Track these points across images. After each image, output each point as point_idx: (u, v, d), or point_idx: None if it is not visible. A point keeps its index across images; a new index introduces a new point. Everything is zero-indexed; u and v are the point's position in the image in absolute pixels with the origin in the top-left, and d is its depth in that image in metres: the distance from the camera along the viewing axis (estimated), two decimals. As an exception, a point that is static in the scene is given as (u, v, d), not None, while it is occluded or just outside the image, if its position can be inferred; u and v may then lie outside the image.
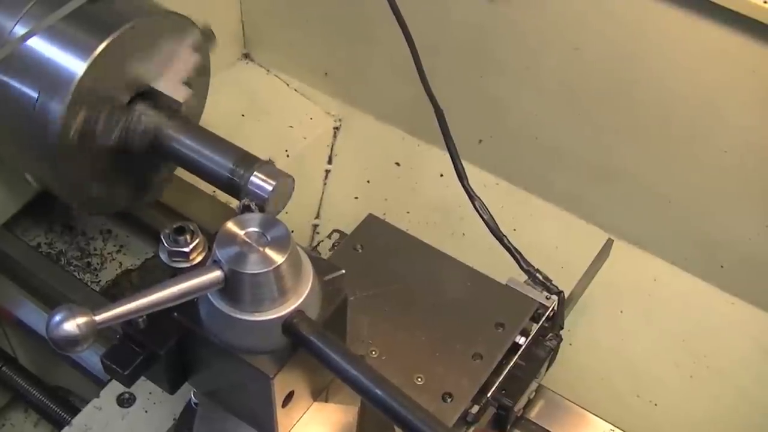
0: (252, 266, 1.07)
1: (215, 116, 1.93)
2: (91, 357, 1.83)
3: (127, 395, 1.63)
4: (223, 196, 2.08)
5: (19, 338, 2.11)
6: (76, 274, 2.08)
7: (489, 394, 1.57)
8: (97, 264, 2.14)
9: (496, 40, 2.08)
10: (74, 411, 1.84)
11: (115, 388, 1.64)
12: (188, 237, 1.18)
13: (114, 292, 2.08)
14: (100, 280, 2.12)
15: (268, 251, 1.08)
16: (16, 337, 2.11)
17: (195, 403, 1.39)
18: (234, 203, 2.08)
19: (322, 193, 2.34)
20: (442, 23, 2.08)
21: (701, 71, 1.85)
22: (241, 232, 1.10)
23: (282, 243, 1.09)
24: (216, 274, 1.07)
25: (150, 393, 1.63)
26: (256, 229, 1.10)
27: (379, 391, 1.06)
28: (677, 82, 1.89)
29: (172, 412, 1.60)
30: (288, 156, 2.30)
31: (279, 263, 1.07)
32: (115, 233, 2.18)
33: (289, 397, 1.19)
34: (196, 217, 1.88)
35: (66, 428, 1.62)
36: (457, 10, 2.08)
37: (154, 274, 2.13)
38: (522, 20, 2.01)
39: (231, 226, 1.11)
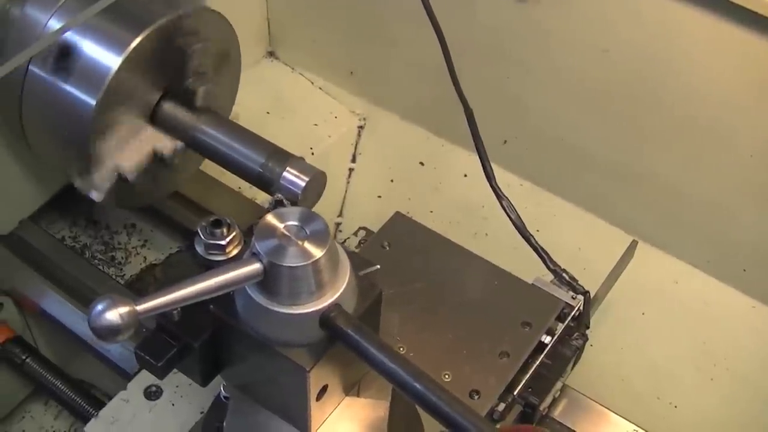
0: (291, 259, 1.08)
1: (240, 113, 1.93)
2: (117, 349, 1.84)
3: (154, 388, 1.64)
4: (248, 192, 2.09)
5: (42, 330, 2.12)
6: (100, 267, 2.09)
7: (516, 392, 1.58)
8: (122, 258, 2.15)
9: (523, 42, 2.09)
10: (98, 404, 1.85)
11: (142, 380, 1.65)
12: (225, 230, 1.19)
13: (138, 287, 2.09)
14: (124, 274, 2.13)
15: (307, 245, 1.09)
16: (38, 328, 2.11)
17: (224, 397, 1.40)
18: (260, 198, 2.10)
19: (345, 191, 2.35)
20: (469, 24, 2.09)
21: (727, 74, 1.86)
22: (281, 225, 1.11)
23: (321, 237, 1.10)
24: (255, 266, 1.09)
25: (177, 386, 1.63)
26: (295, 223, 1.11)
27: (417, 385, 1.07)
28: (703, 84, 1.90)
29: (200, 406, 1.61)
30: (313, 154, 2.30)
31: (318, 257, 1.09)
32: (139, 228, 2.19)
33: (323, 391, 1.21)
34: (221, 212, 1.89)
35: (93, 420, 1.63)
36: (484, 10, 2.09)
37: (178, 269, 2.14)
38: (549, 22, 2.01)
39: (271, 219, 1.12)
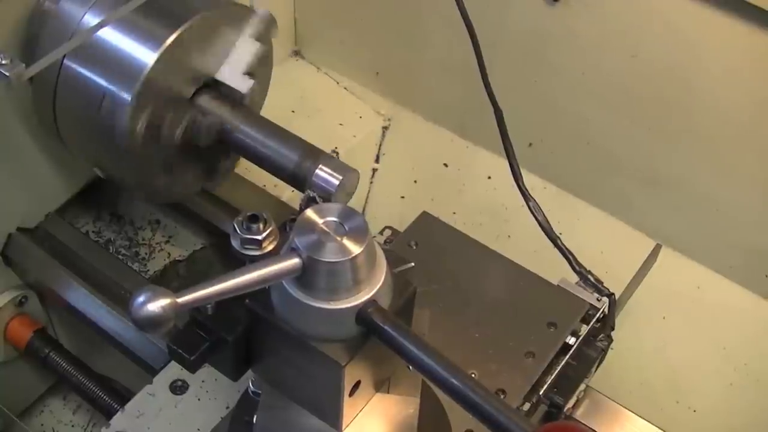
0: (330, 255, 1.09)
1: (265, 112, 1.94)
2: (142, 343, 1.84)
3: (179, 383, 1.64)
4: (272, 190, 2.10)
5: (63, 324, 2.13)
6: (125, 263, 2.10)
7: (541, 392, 1.59)
8: (146, 254, 2.16)
9: (553, 45, 2.09)
10: (121, 399, 1.86)
11: (168, 374, 1.65)
12: (261, 225, 1.20)
13: (161, 283, 2.09)
14: (148, 270, 2.14)
15: (346, 241, 1.10)
16: (60, 322, 2.13)
17: (253, 392, 1.41)
18: (285, 196, 2.10)
19: (368, 191, 2.36)
20: (498, 25, 2.10)
21: (756, 82, 1.86)
22: (320, 221, 1.12)
23: (360, 234, 1.11)
24: (294, 261, 1.09)
25: (203, 381, 1.64)
26: (334, 219, 1.12)
27: (455, 381, 1.08)
28: (732, 92, 1.91)
29: (225, 401, 1.62)
30: (337, 154, 2.31)
31: (356, 253, 1.09)
32: (163, 223, 2.20)
33: (356, 387, 1.21)
34: (245, 209, 1.90)
35: (119, 414, 1.63)
36: (515, 13, 2.10)
37: (201, 265, 2.15)
38: (578, 25, 2.02)
39: (310, 214, 1.13)
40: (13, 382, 2.12)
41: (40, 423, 2.25)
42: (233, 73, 1.71)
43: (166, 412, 1.62)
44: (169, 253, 2.16)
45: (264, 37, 1.77)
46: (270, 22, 1.75)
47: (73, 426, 2.26)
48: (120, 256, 2.13)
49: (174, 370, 1.65)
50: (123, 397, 1.86)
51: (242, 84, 1.71)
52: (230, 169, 1.94)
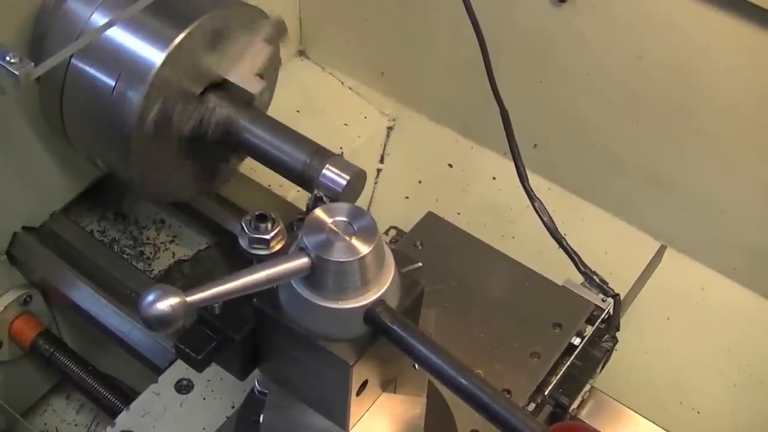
0: (339, 254, 1.09)
1: (270, 112, 1.94)
2: (147, 342, 1.84)
3: (185, 382, 1.64)
4: (277, 190, 2.10)
5: (68, 323, 2.13)
6: (129, 262, 2.10)
7: (546, 392, 1.59)
8: (150, 253, 2.16)
9: (559, 46, 2.09)
10: (125, 398, 1.86)
11: (173, 374, 1.65)
12: (269, 225, 1.19)
13: (166, 283, 2.08)
14: (153, 270, 2.14)
15: (355, 241, 1.10)
16: (64, 321, 2.13)
17: (259, 392, 1.41)
18: (290, 196, 2.11)
19: (373, 191, 2.36)
20: (504, 26, 2.10)
21: (760, 84, 1.86)
22: (329, 221, 1.12)
23: (368, 233, 1.11)
24: (303, 260, 1.09)
25: (208, 381, 1.63)
26: (343, 219, 1.12)
27: (463, 380, 1.08)
28: (737, 93, 1.91)
29: (230, 400, 1.62)
30: (342, 154, 2.30)
31: (365, 253, 1.09)
32: (168, 223, 2.20)
33: (363, 386, 1.21)
34: (251, 209, 1.90)
35: (124, 413, 1.62)
36: (521, 14, 2.10)
37: (206, 265, 2.15)
38: (585, 27, 2.02)
39: (319, 213, 1.13)
40: (16, 381, 2.12)
41: (43, 422, 2.25)
42: (245, 74, 1.71)
43: (171, 411, 1.61)
44: (173, 253, 2.16)
45: (274, 39, 1.77)
46: (282, 29, 1.75)
47: (76, 425, 2.25)
48: (124, 256, 2.13)
49: (179, 369, 1.64)
50: (127, 396, 1.86)
51: (253, 85, 1.71)
52: (232, 174, 1.94)
